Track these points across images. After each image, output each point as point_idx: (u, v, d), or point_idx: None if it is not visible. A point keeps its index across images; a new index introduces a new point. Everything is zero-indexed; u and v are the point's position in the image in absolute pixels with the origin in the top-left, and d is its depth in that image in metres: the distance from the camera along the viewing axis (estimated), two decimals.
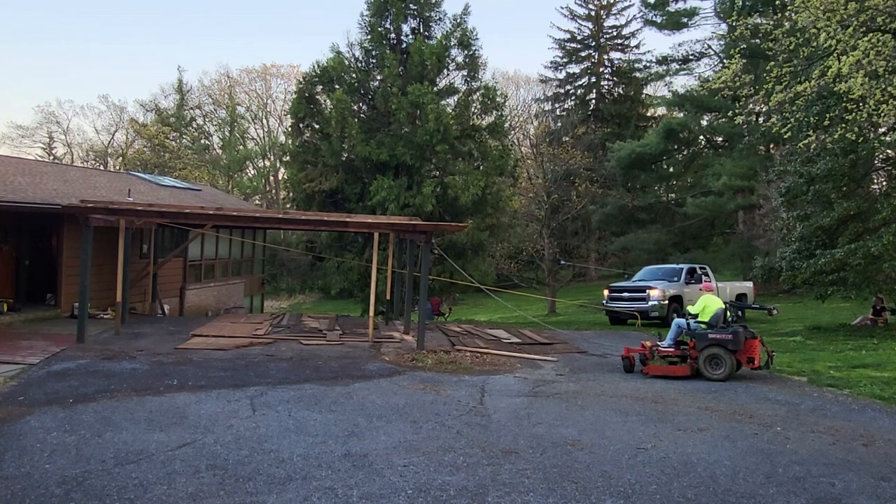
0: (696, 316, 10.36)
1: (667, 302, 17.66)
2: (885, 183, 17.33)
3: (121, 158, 50.07)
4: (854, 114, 12.06)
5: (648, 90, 43.43)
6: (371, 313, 13.15)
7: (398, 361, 10.49)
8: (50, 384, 7.93)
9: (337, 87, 23.40)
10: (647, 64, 38.14)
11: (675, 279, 18.71)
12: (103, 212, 11.89)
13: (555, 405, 7.74)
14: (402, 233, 12.67)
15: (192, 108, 53.99)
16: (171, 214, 12.74)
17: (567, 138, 37.70)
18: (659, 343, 10.50)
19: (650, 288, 17.94)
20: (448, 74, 24.81)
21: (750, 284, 20.98)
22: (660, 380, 9.79)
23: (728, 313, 10.25)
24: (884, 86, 10.95)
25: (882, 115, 11.43)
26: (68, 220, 14.55)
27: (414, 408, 7.34)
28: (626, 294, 18.56)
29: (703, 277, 19.49)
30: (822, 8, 11.03)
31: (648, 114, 43.92)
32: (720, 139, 32.79)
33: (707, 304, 10.36)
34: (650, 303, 17.65)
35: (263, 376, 8.85)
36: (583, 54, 43.79)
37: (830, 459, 5.79)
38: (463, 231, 22.47)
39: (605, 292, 19.32)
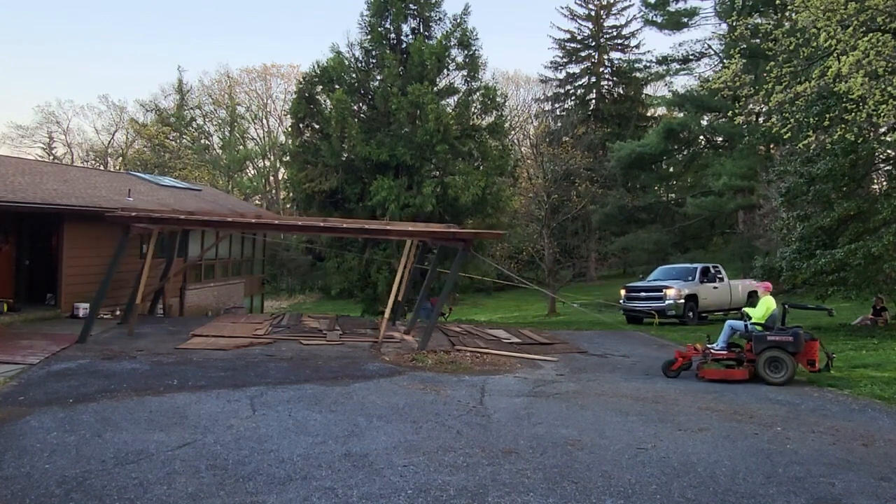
0: (751, 318, 9.99)
1: (682, 301, 18.19)
2: (885, 183, 17.32)
3: (121, 158, 50.08)
4: (854, 114, 12.05)
5: (648, 90, 43.46)
6: (387, 315, 13.09)
7: (398, 361, 10.49)
8: (50, 384, 7.93)
9: (337, 87, 23.36)
10: (647, 64, 38.20)
11: (690, 278, 19.25)
12: (146, 220, 11.90)
13: (555, 405, 7.74)
14: (440, 241, 12.63)
15: (192, 108, 54.01)
16: (213, 223, 12.62)
17: (567, 138, 37.68)
18: (710, 346, 10.14)
19: (666, 288, 18.52)
20: (448, 74, 24.75)
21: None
22: (660, 380, 9.79)
23: (785, 314, 9.93)
24: (883, 86, 10.93)
25: (882, 115, 11.40)
26: (68, 219, 14.56)
27: (414, 408, 7.34)
28: (643, 294, 19.15)
29: (717, 276, 19.87)
30: (822, 8, 11.02)
31: (648, 114, 43.92)
32: (720, 139, 32.81)
33: (768, 305, 10.04)
34: (667, 302, 18.19)
35: (263, 376, 8.85)
36: (583, 54, 43.78)
37: (830, 459, 5.78)
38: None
39: (623, 292, 19.88)
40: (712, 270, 19.76)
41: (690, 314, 18.22)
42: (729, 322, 10.39)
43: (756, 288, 20.60)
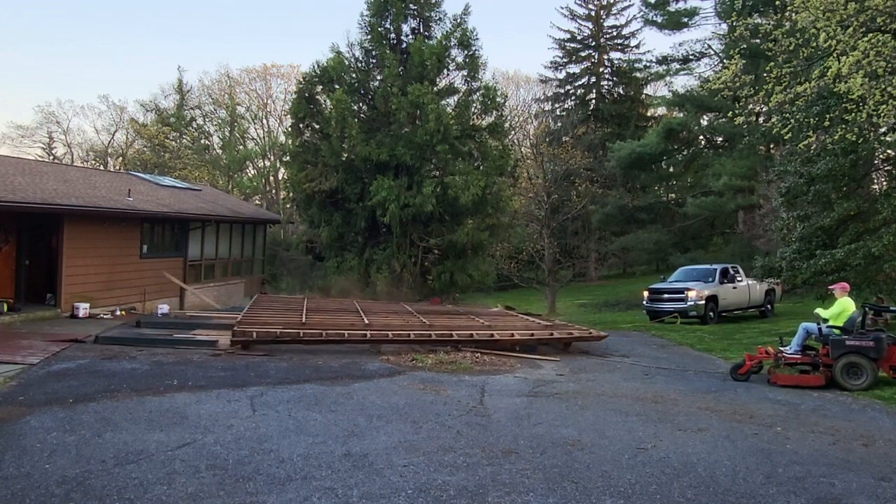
0: (827, 320, 9.49)
1: (703, 302, 18.57)
2: (885, 183, 17.31)
3: (121, 158, 50.02)
4: (854, 114, 12.04)
5: (648, 90, 43.38)
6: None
7: (398, 361, 10.50)
8: (50, 384, 7.93)
9: (337, 87, 23.35)
10: (647, 64, 38.08)
11: (710, 280, 19.60)
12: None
13: (555, 405, 7.74)
14: (542, 344, 12.78)
15: (192, 108, 53.85)
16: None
17: (567, 138, 37.62)
18: (783, 349, 9.70)
19: (688, 289, 18.95)
20: (448, 74, 24.76)
21: (776, 280, 21.24)
22: (660, 380, 9.79)
23: (866, 317, 9.51)
24: (883, 86, 10.92)
25: (882, 115, 11.40)
26: (68, 219, 14.56)
27: (414, 408, 7.34)
28: (665, 295, 19.56)
29: (736, 277, 20.11)
30: (821, 8, 11.01)
31: (648, 114, 43.85)
32: (720, 139, 32.76)
33: (845, 307, 9.49)
34: (688, 303, 18.63)
35: (263, 376, 8.86)
36: (583, 54, 43.73)
37: (830, 459, 5.79)
38: (464, 232, 22.51)
39: (646, 293, 20.25)
40: (731, 271, 20.25)
41: (711, 314, 18.69)
42: (803, 325, 9.88)
43: (775, 286, 20.74)
